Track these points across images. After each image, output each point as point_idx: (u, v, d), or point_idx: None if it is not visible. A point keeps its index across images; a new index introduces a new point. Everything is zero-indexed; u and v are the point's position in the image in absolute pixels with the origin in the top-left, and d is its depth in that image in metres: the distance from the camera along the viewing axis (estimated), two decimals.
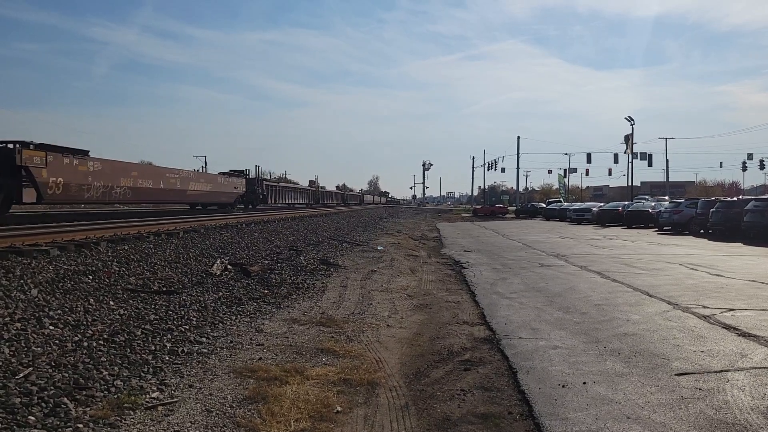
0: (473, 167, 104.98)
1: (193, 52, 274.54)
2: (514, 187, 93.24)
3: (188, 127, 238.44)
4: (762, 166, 75.01)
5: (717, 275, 10.93)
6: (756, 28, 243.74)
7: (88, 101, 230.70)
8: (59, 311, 6.19)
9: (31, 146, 17.86)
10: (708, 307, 7.56)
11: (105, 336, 5.49)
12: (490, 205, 76.33)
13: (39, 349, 4.93)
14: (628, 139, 56.14)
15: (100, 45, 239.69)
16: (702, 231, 24.79)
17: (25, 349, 4.89)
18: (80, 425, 3.57)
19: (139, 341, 5.45)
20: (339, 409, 4.11)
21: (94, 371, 4.51)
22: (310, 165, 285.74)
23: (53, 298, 6.74)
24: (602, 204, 44.27)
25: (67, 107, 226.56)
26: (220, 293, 8.16)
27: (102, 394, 4.09)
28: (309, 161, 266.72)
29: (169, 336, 5.74)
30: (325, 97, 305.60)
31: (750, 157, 76.26)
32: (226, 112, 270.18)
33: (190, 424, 3.76)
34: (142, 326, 5.97)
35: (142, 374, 4.59)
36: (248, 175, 43.95)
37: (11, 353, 4.73)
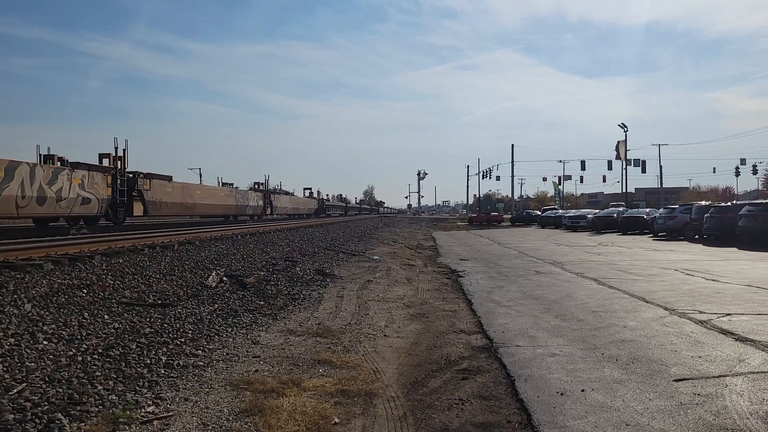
0: (468, 176, 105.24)
1: (188, 65, 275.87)
2: (510, 195, 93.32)
3: (183, 140, 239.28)
4: (755, 171, 75.58)
5: (713, 280, 10.95)
6: (744, 35, 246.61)
7: (83, 115, 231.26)
8: (53, 326, 6.14)
9: (141, 175, 26.30)
10: (705, 312, 7.56)
11: (99, 350, 5.44)
12: (486, 213, 76.46)
13: (33, 364, 4.88)
14: (620, 145, 56.38)
15: (95, 59, 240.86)
16: (697, 236, 24.88)
17: (19, 364, 4.84)
18: None
19: (134, 355, 5.40)
20: (337, 420, 4.07)
21: (89, 386, 4.46)
22: (305, 176, 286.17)
23: (47, 313, 6.68)
24: (597, 211, 44.45)
25: (62, 121, 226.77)
26: (216, 305, 8.11)
27: (97, 409, 4.04)
28: (304, 172, 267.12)
29: (164, 349, 5.69)
30: (319, 109, 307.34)
31: (743, 162, 76.84)
32: (221, 125, 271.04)
33: None
34: (137, 340, 5.92)
35: (138, 388, 4.54)
36: None
37: (4, 369, 4.68)
